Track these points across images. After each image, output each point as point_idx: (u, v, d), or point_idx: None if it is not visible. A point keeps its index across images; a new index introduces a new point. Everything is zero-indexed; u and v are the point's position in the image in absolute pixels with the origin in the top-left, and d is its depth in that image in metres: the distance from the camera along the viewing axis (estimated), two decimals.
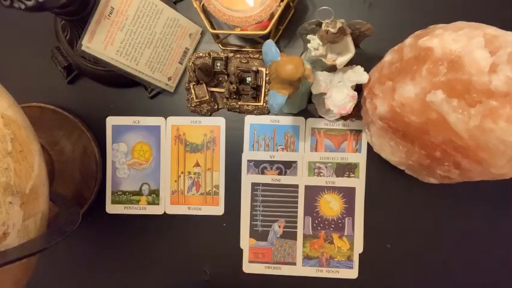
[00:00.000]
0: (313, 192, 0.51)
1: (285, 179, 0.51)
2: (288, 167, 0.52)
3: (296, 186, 0.51)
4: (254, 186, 0.52)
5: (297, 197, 0.51)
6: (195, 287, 0.53)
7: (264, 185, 0.52)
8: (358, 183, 0.51)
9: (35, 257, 0.34)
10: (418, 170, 0.43)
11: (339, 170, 0.51)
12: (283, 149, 0.52)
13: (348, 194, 0.51)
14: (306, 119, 0.51)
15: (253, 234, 0.52)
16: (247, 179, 0.52)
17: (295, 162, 0.51)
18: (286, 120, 0.52)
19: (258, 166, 0.52)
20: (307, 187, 0.51)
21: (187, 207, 0.52)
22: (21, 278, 0.33)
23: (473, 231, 0.51)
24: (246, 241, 0.52)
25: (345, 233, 0.51)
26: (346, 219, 0.51)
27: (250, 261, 0.52)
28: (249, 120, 0.52)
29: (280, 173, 0.52)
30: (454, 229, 0.51)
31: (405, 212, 0.51)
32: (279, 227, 0.51)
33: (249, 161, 0.52)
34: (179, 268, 0.53)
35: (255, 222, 0.52)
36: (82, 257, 0.53)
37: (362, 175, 0.51)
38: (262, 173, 0.52)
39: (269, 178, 0.51)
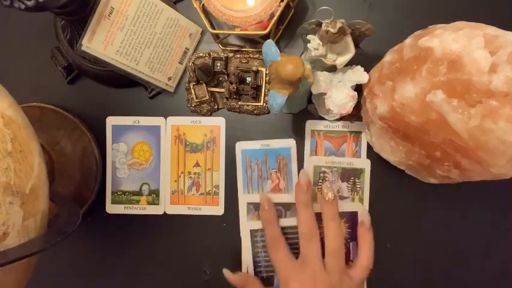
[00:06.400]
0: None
1: (285, 221, 0.50)
2: (287, 208, 0.50)
3: (295, 227, 0.48)
4: (253, 233, 0.51)
5: (297, 238, 0.47)
6: (195, 287, 0.53)
7: (263, 230, 0.50)
8: (360, 206, 0.50)
9: (35, 257, 0.34)
10: (418, 170, 0.43)
11: (345, 175, 0.51)
12: (276, 172, 0.51)
13: (351, 218, 0.50)
14: (305, 120, 0.51)
15: None
16: (246, 225, 0.51)
17: (294, 204, 0.48)
18: (276, 144, 0.51)
19: (258, 208, 0.50)
20: None
21: (187, 207, 0.52)
22: (22, 278, 0.33)
23: (473, 231, 0.51)
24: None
25: (351, 257, 0.50)
26: (350, 244, 0.50)
27: None
28: (240, 146, 0.51)
29: (280, 216, 0.50)
30: (453, 229, 0.51)
31: (405, 212, 0.51)
32: None
33: (248, 203, 0.51)
34: (179, 268, 0.53)
35: (259, 269, 0.51)
36: (82, 257, 0.53)
37: (367, 181, 0.50)
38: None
39: None
